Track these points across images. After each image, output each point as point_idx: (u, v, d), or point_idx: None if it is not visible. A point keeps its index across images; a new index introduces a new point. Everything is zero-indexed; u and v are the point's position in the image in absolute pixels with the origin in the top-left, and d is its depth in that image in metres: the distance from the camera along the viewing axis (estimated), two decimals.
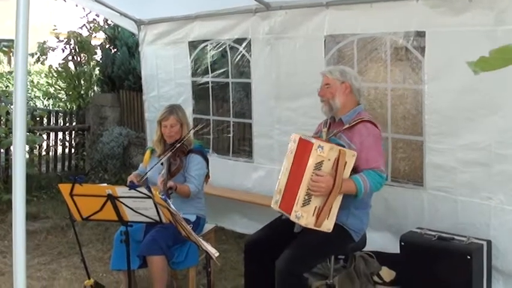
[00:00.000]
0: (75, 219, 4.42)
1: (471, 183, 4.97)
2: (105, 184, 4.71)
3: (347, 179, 4.11)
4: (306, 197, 4.10)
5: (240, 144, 7.86)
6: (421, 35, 5.18)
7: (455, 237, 4.82)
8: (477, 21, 4.69)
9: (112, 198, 4.13)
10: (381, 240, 5.59)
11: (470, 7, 4.74)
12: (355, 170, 4.19)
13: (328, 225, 4.13)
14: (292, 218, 4.18)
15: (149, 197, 4.04)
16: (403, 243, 4.98)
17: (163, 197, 4.02)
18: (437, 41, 4.99)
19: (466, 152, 4.97)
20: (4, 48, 10.13)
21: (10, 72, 14.40)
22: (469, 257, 4.58)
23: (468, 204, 5.01)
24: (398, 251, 5.06)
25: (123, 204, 4.16)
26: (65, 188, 4.16)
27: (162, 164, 5.05)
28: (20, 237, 2.52)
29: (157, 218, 4.23)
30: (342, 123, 4.50)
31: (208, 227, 5.60)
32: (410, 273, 4.95)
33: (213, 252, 3.77)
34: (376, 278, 5.40)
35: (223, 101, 7.72)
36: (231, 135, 7.48)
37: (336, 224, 4.19)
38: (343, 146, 4.28)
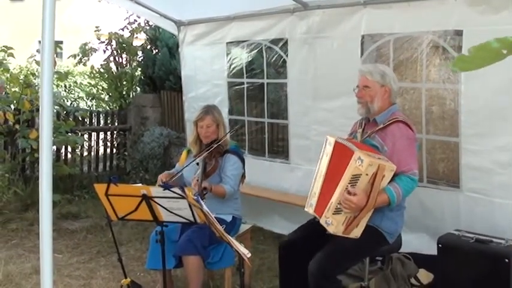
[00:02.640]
0: (111, 219, 4.47)
1: (508, 185, 4.89)
2: (141, 184, 4.74)
3: (381, 191, 4.04)
4: (338, 206, 4.06)
5: (276, 145, 7.84)
6: (458, 33, 5.10)
7: (493, 239, 4.72)
8: None
9: (147, 198, 4.15)
10: (418, 241, 5.53)
11: (509, 5, 4.65)
12: None
13: (356, 233, 4.10)
14: (322, 222, 4.15)
15: (183, 198, 4.05)
16: (440, 245, 4.90)
17: (196, 197, 4.03)
18: (475, 40, 4.84)
19: (502, 153, 4.89)
20: None
21: (54, 73, 14.62)
22: (507, 260, 4.48)
23: (505, 206, 4.92)
24: (435, 253, 4.98)
25: (158, 204, 4.18)
26: (100, 188, 4.20)
27: (197, 164, 5.07)
28: (46, 236, 2.55)
29: (191, 219, 4.23)
30: (376, 124, 4.44)
31: (244, 227, 5.61)
32: (447, 276, 4.87)
33: (245, 253, 3.76)
34: (413, 281, 5.33)
35: (259, 102, 7.72)
36: (266, 135, 7.48)
37: (370, 227, 4.16)
38: (377, 147, 4.25)
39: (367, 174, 3.97)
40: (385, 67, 4.75)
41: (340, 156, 4.17)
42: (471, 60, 1.52)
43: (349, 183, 4.01)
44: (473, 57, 1.52)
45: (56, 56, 11.53)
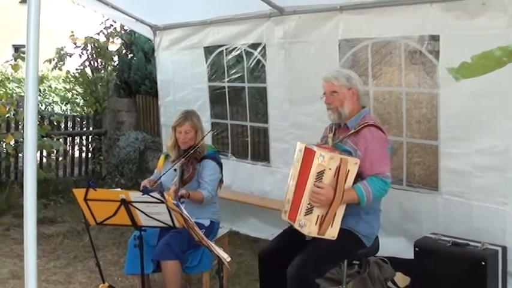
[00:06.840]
0: (89, 223, 4.44)
1: (486, 188, 4.93)
2: (119, 189, 4.73)
3: (349, 189, 4.08)
4: (309, 206, 4.09)
5: (258, 148, 7.86)
6: (435, 38, 5.14)
7: (470, 242, 4.77)
8: (491, 24, 4.64)
9: (125, 203, 4.15)
10: (395, 245, 5.56)
11: (484, 10, 4.70)
12: (360, 176, 4.17)
13: (332, 233, 4.12)
14: (296, 226, 4.18)
15: (162, 202, 4.05)
16: (417, 249, 4.94)
17: (176, 202, 4.03)
18: (452, 45, 4.95)
19: (481, 157, 4.92)
20: (22, 55, 10.18)
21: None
22: (483, 263, 4.52)
23: (483, 209, 4.96)
24: (412, 257, 5.02)
25: (137, 208, 4.17)
26: (79, 193, 4.19)
27: (175, 170, 5.06)
28: (31, 241, 2.53)
29: (170, 223, 4.25)
30: (347, 129, 4.47)
31: (222, 231, 5.61)
32: (424, 279, 4.90)
33: (225, 257, 3.76)
34: (390, 284, 5.37)
35: (240, 106, 7.73)
36: (248, 139, 7.48)
37: (346, 230, 4.19)
38: (350, 152, 4.28)
39: (330, 169, 4.03)
40: (349, 71, 4.82)
41: (307, 160, 4.22)
42: (473, 68, 1.56)
43: (315, 180, 4.06)
44: (475, 65, 1.55)
45: None
